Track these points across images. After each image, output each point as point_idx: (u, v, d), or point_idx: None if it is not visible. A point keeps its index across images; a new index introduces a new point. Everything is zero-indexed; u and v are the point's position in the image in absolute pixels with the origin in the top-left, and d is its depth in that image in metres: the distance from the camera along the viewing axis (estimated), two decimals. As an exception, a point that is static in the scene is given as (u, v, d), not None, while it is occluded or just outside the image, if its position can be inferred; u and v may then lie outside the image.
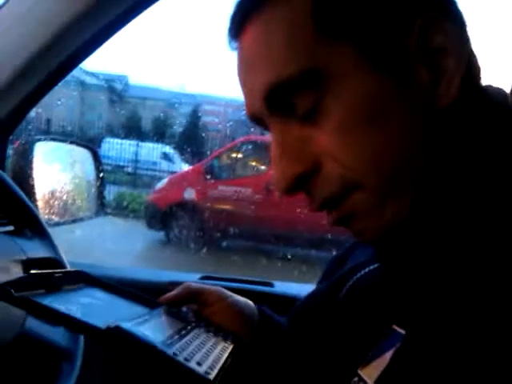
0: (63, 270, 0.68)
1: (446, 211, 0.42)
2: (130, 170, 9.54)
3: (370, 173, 0.42)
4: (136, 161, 9.66)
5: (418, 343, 0.39)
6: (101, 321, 0.52)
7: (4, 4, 0.79)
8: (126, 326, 0.52)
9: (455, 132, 0.43)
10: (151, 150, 9.76)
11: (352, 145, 0.42)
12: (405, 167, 0.42)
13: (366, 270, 0.55)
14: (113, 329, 0.49)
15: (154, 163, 9.73)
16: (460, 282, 0.38)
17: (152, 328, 0.58)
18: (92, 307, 0.61)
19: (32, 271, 0.62)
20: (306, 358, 0.60)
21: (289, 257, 4.96)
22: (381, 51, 0.42)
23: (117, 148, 9.52)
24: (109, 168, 9.05)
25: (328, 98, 0.42)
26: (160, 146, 10.00)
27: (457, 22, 0.44)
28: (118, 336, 0.49)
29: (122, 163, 9.57)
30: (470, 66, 0.44)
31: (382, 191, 0.42)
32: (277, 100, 0.44)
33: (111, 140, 9.76)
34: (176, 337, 0.57)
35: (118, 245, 4.70)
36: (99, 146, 9.17)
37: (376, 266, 0.54)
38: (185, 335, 0.60)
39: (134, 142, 9.75)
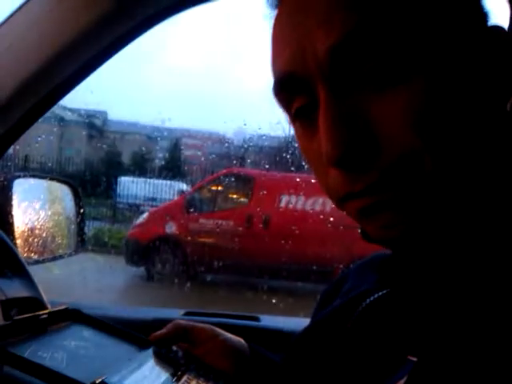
0: (48, 311, 0.66)
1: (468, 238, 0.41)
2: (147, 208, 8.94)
3: (430, 159, 0.38)
4: (153, 199, 9.35)
5: (429, 370, 0.38)
6: (86, 372, 0.51)
7: None
8: (111, 381, 0.51)
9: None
10: (167, 187, 9.38)
11: (420, 126, 0.38)
12: (463, 168, 0.40)
13: (372, 298, 0.54)
14: None
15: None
16: (471, 309, 0.38)
17: (140, 379, 0.56)
18: (78, 352, 0.59)
19: (16, 317, 0.60)
20: None
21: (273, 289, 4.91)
22: (455, 56, 0.39)
23: (130, 186, 9.29)
24: (124, 207, 8.82)
25: (402, 72, 0.38)
26: (176, 182, 9.60)
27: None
28: None
29: (137, 201, 9.27)
30: None
31: (436, 183, 0.39)
32: (344, 59, 0.39)
33: (125, 178, 9.54)
34: None
35: (97, 282, 4.61)
36: (115, 184, 8.95)
37: (382, 293, 0.53)
38: None
39: (148, 180, 9.46)
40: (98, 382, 0.49)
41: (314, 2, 0.40)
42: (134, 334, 0.70)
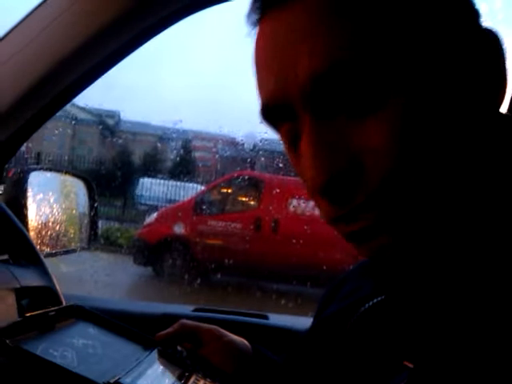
0: (55, 308, 0.67)
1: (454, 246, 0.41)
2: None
3: (415, 182, 0.38)
4: (173, 201, 9.09)
5: (425, 377, 0.38)
6: (97, 371, 0.51)
7: (6, 35, 0.80)
8: (126, 381, 0.51)
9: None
10: (191, 190, 9.02)
11: (403, 149, 0.38)
12: (448, 185, 0.40)
13: (371, 303, 0.54)
14: None
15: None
16: (466, 315, 0.38)
17: (150, 381, 0.57)
18: (86, 351, 0.60)
19: (26, 315, 0.61)
20: None
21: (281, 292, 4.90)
22: (441, 68, 0.39)
23: (153, 188, 9.19)
24: (145, 208, 8.69)
25: (383, 98, 0.38)
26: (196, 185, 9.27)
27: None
28: None
29: (160, 204, 8.93)
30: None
31: (423, 203, 0.39)
32: (325, 88, 0.39)
33: (146, 179, 9.45)
34: None
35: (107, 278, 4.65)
36: (136, 186, 8.84)
37: (380, 298, 0.53)
38: None
39: (170, 182, 9.27)
40: (112, 381, 0.49)
41: (295, 28, 0.39)
42: (139, 332, 0.70)
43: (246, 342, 0.76)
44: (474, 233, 0.41)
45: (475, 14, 0.42)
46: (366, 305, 0.53)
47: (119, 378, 0.51)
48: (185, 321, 0.76)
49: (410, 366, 0.41)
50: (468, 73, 0.40)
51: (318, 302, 0.70)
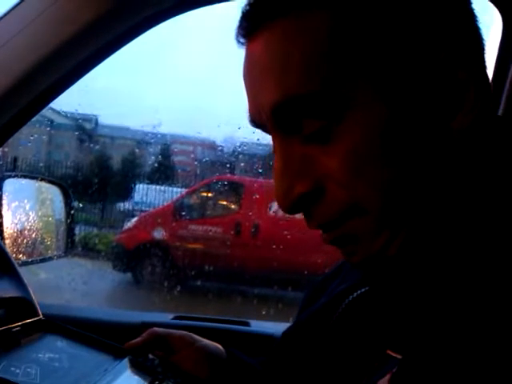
0: (20, 323, 0.65)
1: (440, 244, 0.42)
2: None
3: (375, 201, 0.41)
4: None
5: (414, 367, 0.38)
6: None
7: None
8: None
9: (464, 166, 0.43)
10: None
11: (360, 171, 0.41)
12: (409, 199, 0.42)
13: (355, 294, 0.55)
14: None
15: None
16: (453, 305, 0.38)
17: None
18: (52, 365, 0.58)
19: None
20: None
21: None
22: (399, 84, 0.41)
23: (149, 194, 9.04)
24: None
25: (340, 123, 0.41)
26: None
27: (479, 49, 0.44)
28: None
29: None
30: (487, 96, 0.44)
31: (383, 219, 0.42)
32: (284, 117, 0.43)
33: (142, 186, 9.30)
34: None
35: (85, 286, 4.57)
36: (132, 192, 8.74)
37: (365, 289, 0.54)
38: None
39: (166, 188, 9.25)
40: None
41: (260, 60, 0.43)
42: (108, 342, 0.69)
43: (219, 346, 0.75)
44: (452, 227, 0.42)
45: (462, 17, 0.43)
46: (350, 296, 0.54)
47: None
48: (155, 328, 0.76)
49: (394, 355, 0.42)
50: (439, 86, 0.41)
51: (302, 298, 0.70)
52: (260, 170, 6.29)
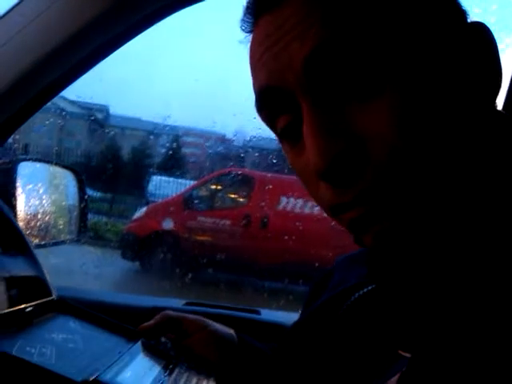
0: (33, 303, 0.65)
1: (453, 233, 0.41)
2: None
3: (419, 165, 0.38)
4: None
5: (424, 367, 0.38)
6: (77, 367, 0.50)
7: None
8: (106, 378, 0.50)
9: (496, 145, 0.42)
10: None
11: (407, 130, 0.38)
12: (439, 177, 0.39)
13: (362, 291, 0.54)
14: (91, 382, 0.48)
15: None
16: (464, 303, 0.38)
17: (133, 374, 0.56)
18: (66, 346, 0.58)
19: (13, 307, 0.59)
20: (300, 381, 0.58)
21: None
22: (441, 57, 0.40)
23: (164, 186, 9.12)
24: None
25: (387, 79, 0.38)
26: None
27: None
28: None
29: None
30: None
31: (417, 193, 0.39)
32: (318, 72, 0.39)
33: (158, 177, 9.32)
34: (158, 383, 0.56)
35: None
36: (147, 184, 8.77)
37: (371, 287, 0.53)
38: (166, 379, 0.59)
39: (182, 181, 9.22)
40: (91, 379, 0.48)
41: (288, 21, 0.40)
42: (121, 325, 0.69)
43: (231, 331, 0.75)
44: (472, 223, 0.41)
45: (462, 11, 0.43)
46: (356, 294, 0.53)
47: (98, 376, 0.50)
48: (168, 312, 0.76)
49: (406, 355, 0.41)
50: (462, 63, 0.41)
51: (308, 292, 0.70)
52: (269, 163, 6.28)
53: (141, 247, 5.84)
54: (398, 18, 0.39)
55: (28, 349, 0.51)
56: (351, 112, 0.39)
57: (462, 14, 0.43)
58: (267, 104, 0.44)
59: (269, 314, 1.07)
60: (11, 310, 0.60)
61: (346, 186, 0.40)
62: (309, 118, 0.40)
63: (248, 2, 0.45)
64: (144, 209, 6.66)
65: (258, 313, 1.07)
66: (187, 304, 1.07)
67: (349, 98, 0.39)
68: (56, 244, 1.16)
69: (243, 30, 0.46)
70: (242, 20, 0.46)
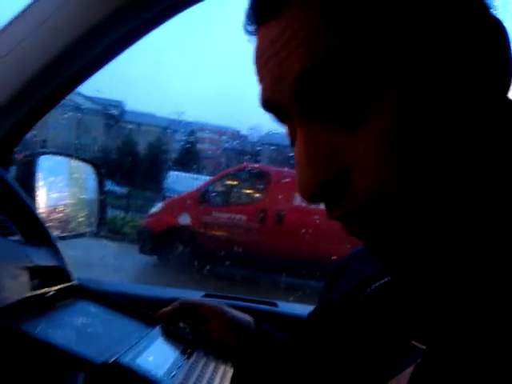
0: (55, 288, 0.67)
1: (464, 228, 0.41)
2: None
3: (402, 189, 0.38)
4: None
5: (440, 358, 0.38)
6: (97, 350, 0.51)
7: (6, 27, 0.80)
8: (125, 360, 0.51)
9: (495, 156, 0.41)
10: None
11: (390, 158, 0.38)
12: (434, 188, 0.39)
13: (378, 283, 0.54)
14: (111, 364, 0.48)
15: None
16: (478, 294, 0.38)
17: (152, 358, 0.57)
18: (87, 330, 0.60)
19: (22, 296, 0.60)
20: (315, 371, 0.59)
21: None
22: (432, 70, 0.38)
23: (181, 181, 9.12)
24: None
25: (372, 103, 0.38)
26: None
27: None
28: (117, 371, 0.49)
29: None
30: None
31: (408, 209, 0.39)
32: (310, 87, 0.39)
33: (174, 173, 9.35)
34: (177, 367, 0.57)
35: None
36: (163, 179, 8.76)
37: (387, 279, 0.53)
38: (185, 363, 0.59)
39: (198, 176, 8.98)
40: (111, 361, 0.49)
41: (281, 35, 0.40)
42: (140, 310, 0.70)
43: (248, 317, 0.76)
44: (476, 220, 0.40)
45: (479, 4, 0.41)
46: (373, 286, 0.53)
47: (117, 358, 0.50)
48: (185, 299, 0.77)
49: (419, 345, 0.41)
50: (468, 66, 0.39)
51: (325, 281, 0.70)
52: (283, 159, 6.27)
53: (158, 242, 5.89)
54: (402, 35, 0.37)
55: (49, 331, 0.52)
56: (341, 137, 0.39)
57: (483, 7, 0.41)
58: (269, 112, 0.45)
59: (286, 307, 1.08)
60: (34, 293, 0.61)
61: (328, 208, 0.42)
62: (300, 141, 0.41)
63: (247, 10, 0.45)
64: (160, 204, 6.71)
65: (276, 305, 1.08)
66: (206, 296, 1.08)
67: (340, 120, 0.39)
68: (76, 236, 1.18)
69: (247, 33, 0.46)
70: (244, 24, 0.46)
